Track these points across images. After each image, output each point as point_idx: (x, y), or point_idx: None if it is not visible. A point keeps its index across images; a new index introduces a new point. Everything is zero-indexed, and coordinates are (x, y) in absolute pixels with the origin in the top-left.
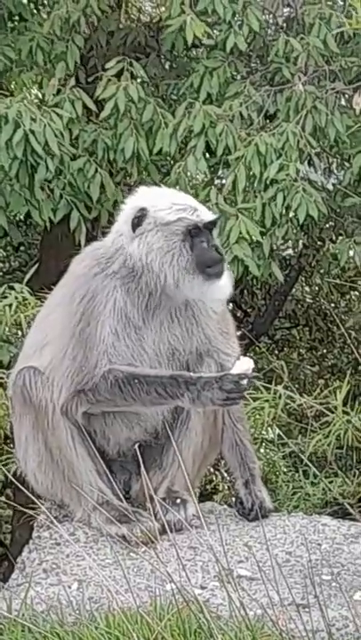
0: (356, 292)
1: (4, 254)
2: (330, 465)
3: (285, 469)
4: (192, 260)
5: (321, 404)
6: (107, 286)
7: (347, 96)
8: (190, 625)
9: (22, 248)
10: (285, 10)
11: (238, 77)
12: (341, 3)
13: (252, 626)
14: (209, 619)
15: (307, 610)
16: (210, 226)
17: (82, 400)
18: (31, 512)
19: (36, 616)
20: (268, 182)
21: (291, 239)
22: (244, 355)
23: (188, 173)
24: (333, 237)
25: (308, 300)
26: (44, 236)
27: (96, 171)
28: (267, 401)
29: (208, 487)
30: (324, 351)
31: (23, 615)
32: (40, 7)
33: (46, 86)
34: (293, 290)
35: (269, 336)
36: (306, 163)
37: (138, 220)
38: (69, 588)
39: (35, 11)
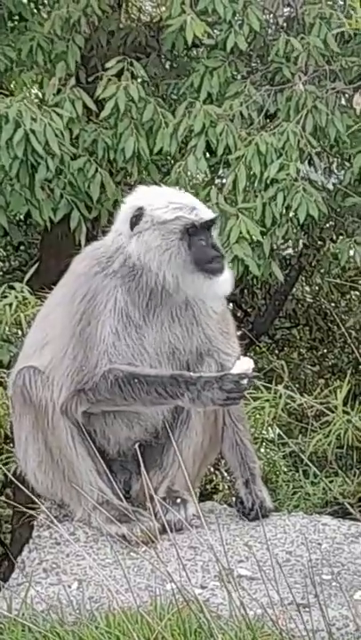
0: (357, 292)
1: (4, 254)
2: (330, 464)
3: (286, 469)
4: (190, 259)
5: (321, 403)
6: (107, 285)
7: (347, 96)
8: (190, 624)
9: (22, 247)
10: (286, 9)
11: (239, 77)
12: (342, 2)
13: (253, 625)
14: (209, 618)
15: (307, 609)
16: (208, 224)
17: (82, 399)
18: (31, 511)
19: (36, 615)
20: (268, 182)
21: (291, 239)
22: (245, 354)
23: (189, 173)
24: (334, 237)
25: (308, 299)
26: (44, 236)
27: (96, 170)
28: (267, 400)
29: (208, 487)
30: (325, 351)
31: (23, 615)
32: (40, 7)
33: (46, 86)
34: (294, 289)
35: (270, 336)
36: (306, 162)
37: (135, 219)
38: (69, 587)
39: (35, 10)
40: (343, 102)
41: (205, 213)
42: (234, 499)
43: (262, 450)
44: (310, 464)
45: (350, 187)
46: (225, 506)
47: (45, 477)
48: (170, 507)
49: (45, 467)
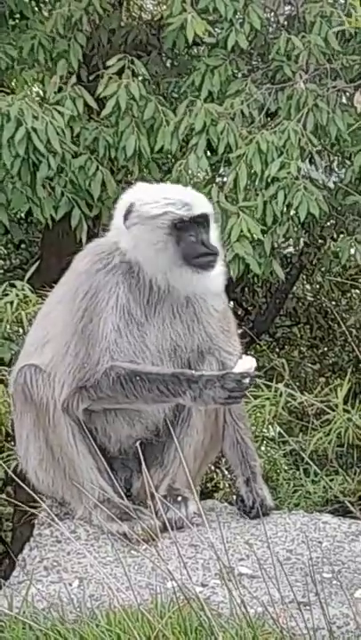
0: (358, 290)
1: (5, 252)
2: (331, 463)
3: (286, 467)
4: (178, 254)
5: (322, 401)
6: (109, 282)
7: (348, 94)
8: (191, 623)
9: (23, 246)
10: (287, 8)
11: (239, 75)
12: (342, 1)
13: (253, 623)
14: (210, 616)
15: (308, 608)
16: (197, 220)
17: (83, 396)
18: (32, 510)
19: (36, 613)
20: (269, 180)
21: (292, 237)
22: (245, 353)
23: (190, 171)
24: (334, 235)
25: (309, 298)
26: (45, 234)
27: (97, 168)
28: (268, 399)
29: (209, 485)
30: (325, 349)
31: (24, 613)
32: (41, 5)
33: (48, 84)
34: (294, 288)
35: (270, 334)
36: (307, 161)
37: (127, 214)
38: (70, 585)
39: (36, 9)
40: (344, 101)
41: (198, 209)
42: (234, 497)
43: (263, 448)
44: (311, 462)
45: (351, 185)
46: (226, 504)
47: (46, 475)
48: (171, 505)
49: (46, 465)
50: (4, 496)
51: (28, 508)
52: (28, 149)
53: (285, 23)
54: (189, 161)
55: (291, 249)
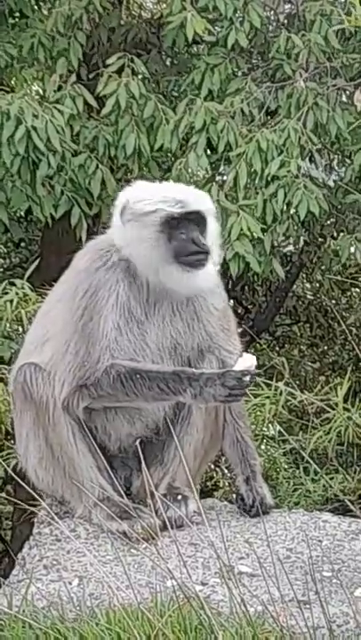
0: (358, 289)
1: (5, 250)
2: (331, 462)
3: (286, 466)
4: (169, 252)
5: (322, 400)
6: (109, 280)
7: (348, 93)
8: (191, 621)
9: (23, 244)
10: (286, 6)
11: (239, 74)
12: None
13: (253, 622)
14: (210, 615)
15: (308, 606)
16: (190, 217)
17: (84, 395)
18: (32, 508)
19: (36, 612)
20: (269, 179)
21: (292, 236)
22: (245, 351)
23: (190, 170)
24: (334, 234)
25: (308, 296)
26: (45, 233)
27: (97, 167)
28: (268, 397)
29: (209, 484)
30: (325, 348)
31: (24, 611)
32: (41, 3)
33: (47, 82)
34: (294, 286)
35: (270, 332)
36: (307, 159)
37: (122, 212)
38: (70, 584)
39: (35, 7)
40: (344, 99)
41: (190, 206)
42: (234, 495)
43: (263, 447)
44: (311, 461)
45: (351, 183)
46: (225, 503)
47: (46, 474)
48: (170, 503)
49: (46, 463)
50: (3, 494)
51: (27, 507)
52: (28, 148)
53: (285, 21)
54: (189, 159)
55: (291, 247)
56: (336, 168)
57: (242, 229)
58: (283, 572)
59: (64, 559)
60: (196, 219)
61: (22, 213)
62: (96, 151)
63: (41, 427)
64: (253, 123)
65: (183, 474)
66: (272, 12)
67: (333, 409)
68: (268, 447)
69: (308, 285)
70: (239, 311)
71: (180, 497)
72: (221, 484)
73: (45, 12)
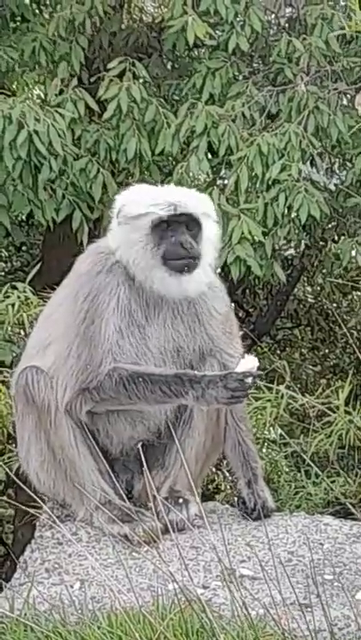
0: (359, 292)
1: (7, 254)
2: (332, 465)
3: (287, 469)
4: (157, 255)
5: (323, 403)
6: (109, 283)
7: (349, 96)
8: (193, 624)
9: (24, 248)
10: (287, 10)
11: (240, 78)
12: (343, 3)
13: (255, 625)
14: (211, 618)
15: (309, 609)
16: (180, 220)
17: (86, 399)
18: (33, 511)
19: (38, 615)
20: (270, 182)
21: (293, 239)
22: (247, 353)
23: (191, 174)
24: (336, 237)
25: (310, 300)
26: (47, 236)
27: (98, 171)
28: (269, 401)
29: (210, 487)
30: (326, 351)
31: (25, 615)
32: (42, 7)
33: (49, 86)
34: (295, 290)
35: (271, 336)
36: (308, 163)
37: (117, 215)
38: (72, 587)
39: (37, 11)
40: (345, 103)
41: (181, 209)
42: (236, 499)
43: (264, 450)
44: (312, 464)
45: (352, 187)
46: (227, 506)
47: (48, 477)
48: (172, 507)
49: (48, 466)
50: (5, 498)
51: (29, 510)
52: (30, 152)
53: (286, 25)
54: (190, 163)
55: (292, 251)
56: (337, 172)
57: (243, 233)
58: (284, 575)
59: (66, 562)
60: (187, 221)
61: (24, 217)
62: (97, 155)
63: (43, 430)
64: (254, 126)
65: (185, 477)
66: (273, 16)
67: (335, 412)
68: (270, 450)
69: (309, 289)
70: (240, 314)
71: (181, 500)
72: (223, 488)
73: (47, 17)
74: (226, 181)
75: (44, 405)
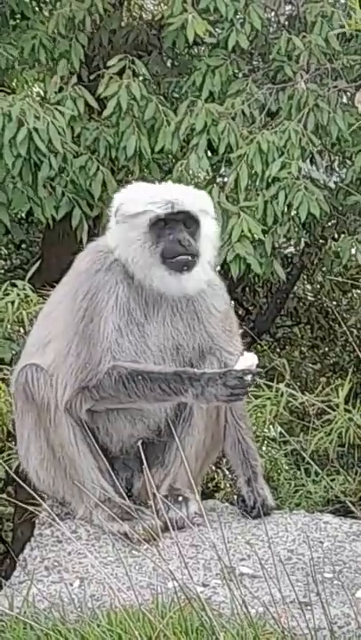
0: (359, 290)
1: (6, 252)
2: (332, 463)
3: (287, 467)
4: (157, 253)
5: (323, 401)
6: (108, 281)
7: (349, 94)
8: (192, 623)
9: (24, 246)
10: (287, 8)
11: (240, 75)
12: (343, 1)
13: (255, 623)
14: (211, 616)
15: (309, 607)
16: (178, 218)
17: (86, 397)
18: (33, 509)
19: (37, 614)
20: (270, 180)
21: (293, 237)
22: (247, 351)
23: (190, 171)
24: (335, 235)
25: (309, 298)
26: (46, 234)
27: (98, 168)
28: (269, 399)
29: (210, 485)
30: (326, 349)
31: (25, 613)
32: (42, 5)
33: (48, 84)
34: (295, 288)
35: (271, 334)
36: (308, 161)
37: (115, 213)
38: (71, 585)
39: (37, 9)
40: (345, 100)
41: (179, 207)
42: (236, 497)
43: (264, 448)
44: (312, 462)
45: (352, 185)
46: (227, 504)
47: (47, 475)
48: (172, 505)
49: (47, 464)
50: (4, 496)
51: (28, 508)
52: (30, 149)
53: (286, 23)
54: (190, 161)
55: (292, 249)
56: (337, 169)
57: (243, 231)
58: (284, 573)
59: (65, 560)
60: (185, 219)
61: (23, 215)
62: (97, 153)
63: (42, 428)
64: (254, 124)
65: (184, 475)
66: (273, 14)
67: (334, 410)
68: (270, 448)
69: (308, 287)
70: (240, 312)
71: (181, 498)
72: (223, 486)
73: (47, 14)
74: (226, 179)
75: (43, 403)
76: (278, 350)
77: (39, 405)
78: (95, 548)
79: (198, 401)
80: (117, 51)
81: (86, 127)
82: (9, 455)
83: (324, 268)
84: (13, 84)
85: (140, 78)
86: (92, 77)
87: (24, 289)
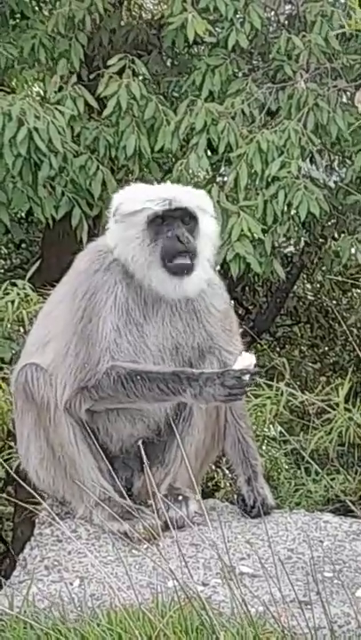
0: (358, 290)
1: (6, 251)
2: (332, 462)
3: (287, 466)
4: (155, 252)
5: (323, 401)
6: (107, 281)
7: (348, 94)
8: (192, 622)
9: (24, 245)
10: (287, 7)
11: (240, 75)
12: (343, 0)
13: (255, 623)
14: (211, 616)
15: (309, 607)
16: (176, 215)
17: (85, 397)
18: (33, 509)
19: (37, 613)
20: (269, 180)
21: (292, 236)
22: (246, 351)
23: (190, 171)
24: (335, 235)
25: (309, 297)
26: (46, 234)
27: (98, 168)
28: (269, 398)
29: (210, 484)
30: (326, 348)
31: (25, 612)
32: (42, 4)
33: (48, 83)
34: (295, 287)
35: (271, 333)
36: (308, 160)
37: (113, 213)
38: (71, 584)
39: (36, 8)
40: (345, 100)
41: (176, 204)
42: (236, 496)
43: (264, 447)
44: (312, 461)
45: (352, 184)
46: (227, 503)
47: (47, 474)
48: (172, 504)
49: (47, 464)
50: (4, 495)
51: (28, 507)
52: (30, 149)
53: (286, 22)
54: (190, 160)
55: (291, 248)
56: (337, 169)
57: (242, 230)
58: (284, 572)
59: (65, 560)
60: (183, 216)
61: (23, 214)
62: (97, 152)
63: (42, 427)
64: (254, 124)
65: (184, 474)
66: (273, 13)
67: (334, 409)
68: (270, 448)
69: (308, 286)
70: (240, 312)
71: (181, 497)
72: (223, 485)
73: (46, 14)
74: (225, 178)
75: (43, 403)
76: (278, 349)
77: (39, 405)
78: (95, 548)
79: (197, 401)
80: (117, 50)
81: (86, 127)
82: (9, 454)
83: (323, 268)
84: (13, 83)
85: (140, 78)
86: (91, 77)
87: (24, 288)
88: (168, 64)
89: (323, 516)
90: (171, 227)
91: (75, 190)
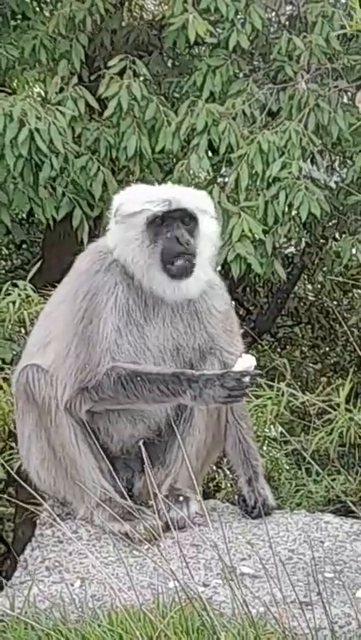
0: (359, 290)
1: (7, 252)
2: (332, 462)
3: (288, 467)
4: (155, 253)
5: (323, 401)
6: (107, 282)
7: (349, 94)
8: (193, 622)
9: (25, 246)
10: (288, 8)
11: (241, 75)
12: (344, 1)
13: (255, 623)
14: (212, 616)
15: (310, 607)
16: (175, 215)
17: (85, 398)
18: (34, 509)
19: (38, 614)
20: (270, 180)
21: (293, 237)
22: (247, 352)
23: (191, 172)
24: (336, 235)
25: (310, 297)
26: (47, 234)
27: (98, 169)
28: (269, 398)
29: (211, 485)
30: (327, 349)
31: (26, 613)
32: (43, 5)
33: (49, 84)
34: (296, 288)
35: (272, 334)
36: (308, 161)
37: (114, 214)
38: (72, 585)
39: (37, 9)
40: (345, 100)
41: (176, 205)
42: (236, 497)
43: (265, 448)
44: (313, 462)
45: (353, 185)
46: (227, 504)
47: (48, 475)
48: (172, 505)
49: (48, 464)
50: (5, 496)
51: (29, 508)
52: (31, 150)
53: (287, 23)
54: (191, 161)
55: (292, 249)
56: (338, 169)
57: (243, 231)
58: (285, 573)
59: (66, 561)
60: (183, 217)
61: (24, 215)
62: (98, 153)
63: (43, 428)
64: (255, 124)
65: (185, 475)
66: (273, 14)
67: (335, 410)
68: (270, 448)
69: (309, 287)
70: (241, 312)
71: (181, 498)
72: (223, 486)
73: (47, 14)
74: (226, 179)
75: (44, 403)
76: (279, 350)
77: (40, 406)
78: (96, 548)
79: (196, 402)
80: (118, 51)
81: (87, 127)
82: (10, 455)
83: (324, 268)
84: (14, 84)
85: (141, 78)
86: (92, 78)
87: (25, 289)
88: (169, 65)
89: (324, 516)
90: (170, 228)
91: (75, 191)
